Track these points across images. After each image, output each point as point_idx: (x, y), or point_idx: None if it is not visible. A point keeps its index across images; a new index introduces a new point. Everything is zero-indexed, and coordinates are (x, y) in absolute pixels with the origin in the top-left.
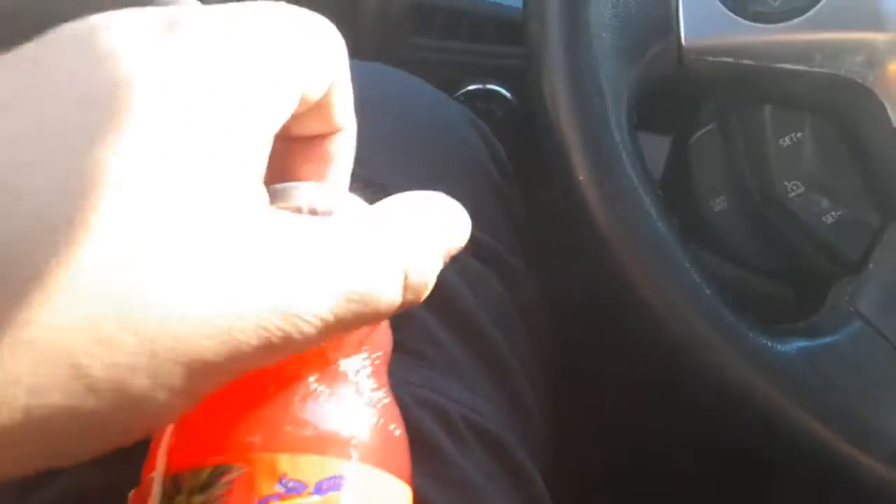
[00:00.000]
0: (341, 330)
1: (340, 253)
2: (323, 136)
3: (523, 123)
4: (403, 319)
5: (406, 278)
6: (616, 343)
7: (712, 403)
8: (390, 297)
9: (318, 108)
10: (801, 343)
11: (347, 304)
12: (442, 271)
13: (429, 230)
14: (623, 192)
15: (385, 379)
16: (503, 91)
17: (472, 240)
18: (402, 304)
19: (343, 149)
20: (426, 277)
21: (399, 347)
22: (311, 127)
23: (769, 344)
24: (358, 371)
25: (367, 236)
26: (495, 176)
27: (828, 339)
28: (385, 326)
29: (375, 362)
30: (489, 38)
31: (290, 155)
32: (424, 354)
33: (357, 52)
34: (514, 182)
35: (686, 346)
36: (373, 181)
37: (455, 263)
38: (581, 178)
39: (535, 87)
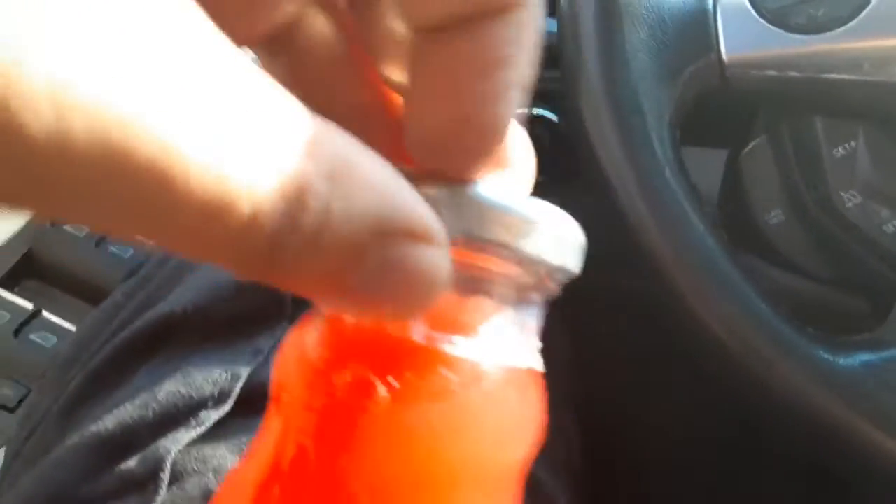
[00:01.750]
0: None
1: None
2: (482, 21)
3: (571, 146)
4: None
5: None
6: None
7: (775, 421)
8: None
9: None
10: (865, 356)
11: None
12: None
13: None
14: (668, 208)
15: None
16: (548, 114)
17: None
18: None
19: (524, 41)
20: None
21: None
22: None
23: (831, 358)
24: None
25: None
26: None
27: (893, 352)
28: None
29: None
30: None
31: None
32: None
33: None
34: None
35: (744, 364)
36: None
37: None
38: (624, 197)
39: (573, 110)
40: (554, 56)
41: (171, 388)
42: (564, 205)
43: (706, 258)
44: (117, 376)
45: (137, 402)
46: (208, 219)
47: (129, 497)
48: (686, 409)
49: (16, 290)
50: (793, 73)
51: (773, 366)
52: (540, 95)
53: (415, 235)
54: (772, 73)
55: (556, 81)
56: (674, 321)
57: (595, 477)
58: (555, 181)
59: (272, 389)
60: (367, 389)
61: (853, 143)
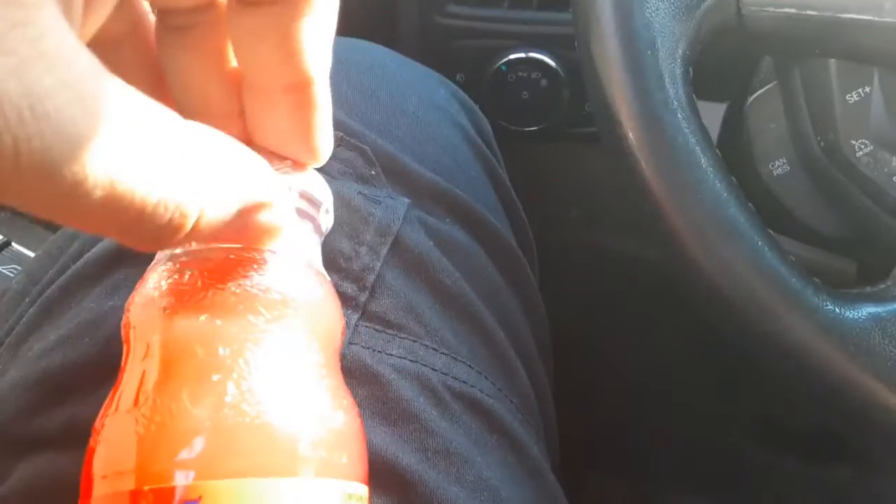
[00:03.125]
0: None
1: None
2: (291, 90)
3: (567, 90)
4: (381, 292)
5: (201, 213)
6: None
7: (776, 372)
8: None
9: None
10: (871, 309)
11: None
12: (417, 237)
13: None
14: (677, 151)
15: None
16: (546, 59)
17: (453, 200)
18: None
19: (316, 107)
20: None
21: (377, 319)
22: (271, 67)
23: (838, 310)
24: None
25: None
26: (479, 143)
27: None
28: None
29: None
30: (531, 4)
31: (263, 107)
32: (404, 326)
33: (393, 19)
34: (500, 155)
35: (748, 314)
36: (352, 143)
37: (433, 228)
38: (632, 137)
39: (583, 47)
40: None
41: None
42: (562, 153)
43: (712, 202)
44: (67, 304)
45: (84, 331)
46: (152, 225)
47: (74, 447)
48: (664, 355)
49: None
50: (811, 12)
51: (780, 318)
52: (538, 39)
53: (265, 205)
54: (790, 10)
55: (557, 24)
56: (676, 270)
57: (566, 424)
58: (554, 129)
59: (123, 331)
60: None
61: (867, 89)
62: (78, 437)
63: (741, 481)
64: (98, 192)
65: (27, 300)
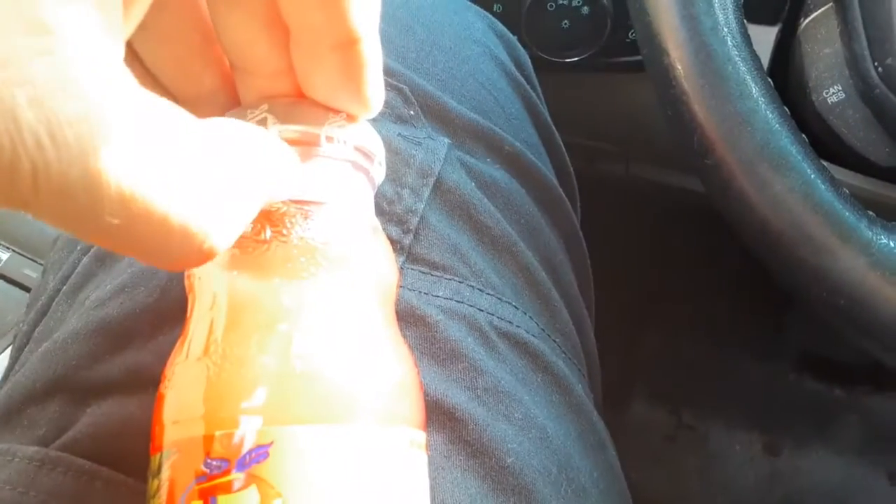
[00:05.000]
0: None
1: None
2: (339, 48)
3: (610, 18)
4: (425, 234)
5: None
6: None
7: (825, 309)
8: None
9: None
10: None
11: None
12: (459, 178)
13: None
14: (727, 81)
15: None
16: None
17: (493, 139)
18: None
19: (364, 63)
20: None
21: (422, 262)
22: (315, 23)
23: (892, 244)
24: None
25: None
26: (518, 79)
27: None
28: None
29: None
30: None
31: (312, 64)
32: (449, 268)
33: None
34: (539, 89)
35: (800, 249)
36: (390, 82)
37: (474, 168)
38: (679, 66)
39: None
40: None
41: None
42: (604, 84)
43: (764, 134)
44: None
45: (138, 280)
46: (179, 240)
47: (137, 392)
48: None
49: None
50: None
51: (832, 252)
52: None
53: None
54: None
55: None
56: (725, 204)
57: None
58: (596, 58)
59: (186, 280)
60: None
61: None
62: (140, 382)
63: (780, 411)
64: (113, 219)
65: (79, 247)
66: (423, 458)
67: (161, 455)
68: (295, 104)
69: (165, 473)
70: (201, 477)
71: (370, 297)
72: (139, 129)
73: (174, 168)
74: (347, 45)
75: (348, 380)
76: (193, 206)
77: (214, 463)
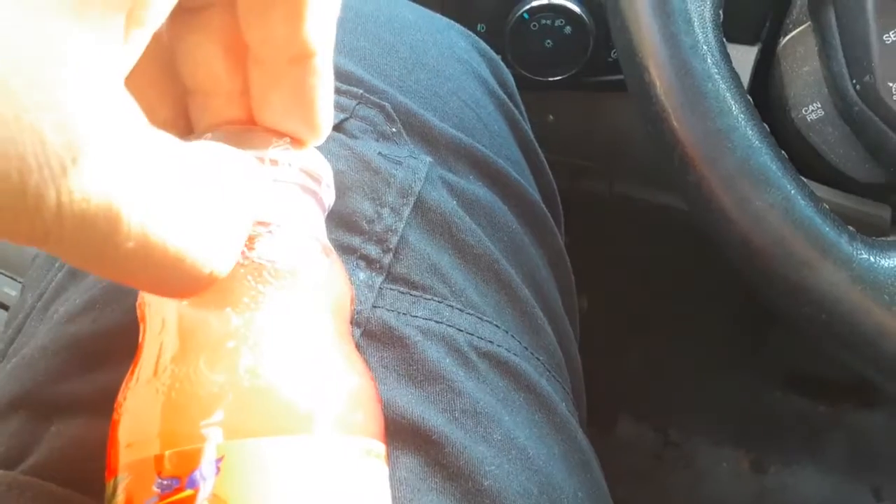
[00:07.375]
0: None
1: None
2: (296, 62)
3: (592, 37)
4: (404, 253)
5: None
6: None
7: (806, 324)
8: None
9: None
10: None
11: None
12: (440, 197)
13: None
14: (707, 98)
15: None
16: (570, 5)
17: (475, 156)
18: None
19: (318, 77)
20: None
21: (402, 281)
22: (276, 37)
23: (872, 259)
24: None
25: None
26: (501, 96)
27: None
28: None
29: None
30: None
31: (268, 81)
32: (428, 287)
33: None
34: (523, 107)
35: (781, 265)
36: (372, 100)
37: (456, 186)
38: (659, 84)
39: None
40: None
41: None
42: (587, 102)
43: (744, 151)
44: None
45: (111, 297)
46: (189, 266)
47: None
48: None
49: None
50: None
51: (813, 268)
52: None
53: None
54: None
55: None
56: (706, 221)
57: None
58: (579, 77)
59: (138, 310)
60: None
61: None
62: (112, 404)
63: (766, 428)
64: (130, 244)
65: (56, 265)
66: (381, 468)
67: (116, 479)
68: (241, 131)
69: (120, 497)
70: (153, 498)
71: (320, 313)
72: (152, 155)
73: (183, 194)
74: (304, 59)
75: (297, 392)
76: (199, 232)
77: (165, 482)
